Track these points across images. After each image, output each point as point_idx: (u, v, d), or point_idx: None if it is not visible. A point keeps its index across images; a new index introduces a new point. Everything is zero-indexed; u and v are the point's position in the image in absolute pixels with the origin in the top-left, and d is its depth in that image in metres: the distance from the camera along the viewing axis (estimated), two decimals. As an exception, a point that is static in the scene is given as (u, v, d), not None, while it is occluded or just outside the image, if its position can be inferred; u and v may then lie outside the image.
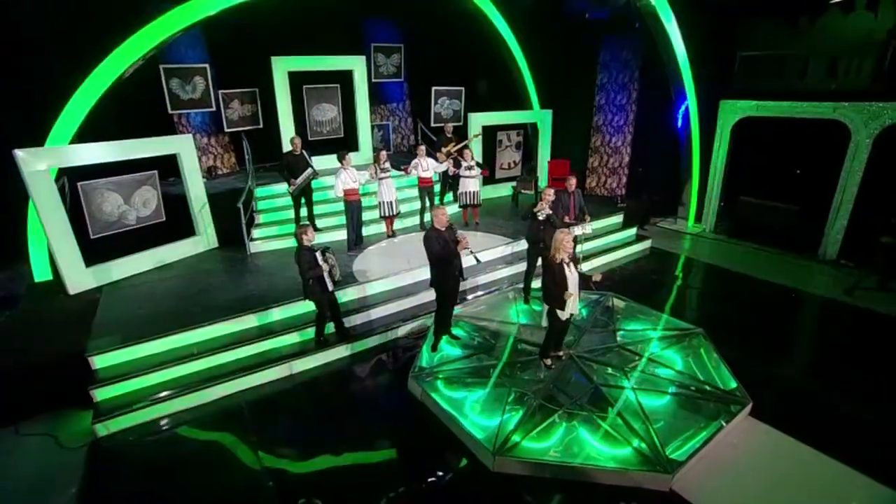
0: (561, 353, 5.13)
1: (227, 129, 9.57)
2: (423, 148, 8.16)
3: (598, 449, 4.06)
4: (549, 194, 6.05)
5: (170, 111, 8.45)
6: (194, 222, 7.88)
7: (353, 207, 7.32)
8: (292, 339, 5.73)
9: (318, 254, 5.21)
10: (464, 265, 5.33)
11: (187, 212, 7.81)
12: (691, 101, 9.24)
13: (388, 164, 7.74)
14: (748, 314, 6.64)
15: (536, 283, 6.02)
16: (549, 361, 5.04)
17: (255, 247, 7.78)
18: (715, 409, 4.51)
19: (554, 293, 4.61)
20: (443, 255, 5.04)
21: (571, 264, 4.61)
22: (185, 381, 5.08)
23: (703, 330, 5.66)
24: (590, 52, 10.41)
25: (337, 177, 7.16)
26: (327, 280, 5.25)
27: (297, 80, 9.55)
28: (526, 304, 6.51)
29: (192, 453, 4.38)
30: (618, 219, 9.41)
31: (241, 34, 9.21)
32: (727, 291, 7.49)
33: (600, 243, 8.70)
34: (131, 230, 7.17)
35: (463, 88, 10.58)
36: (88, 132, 6.80)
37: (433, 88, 10.34)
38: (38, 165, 5.93)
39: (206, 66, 8.62)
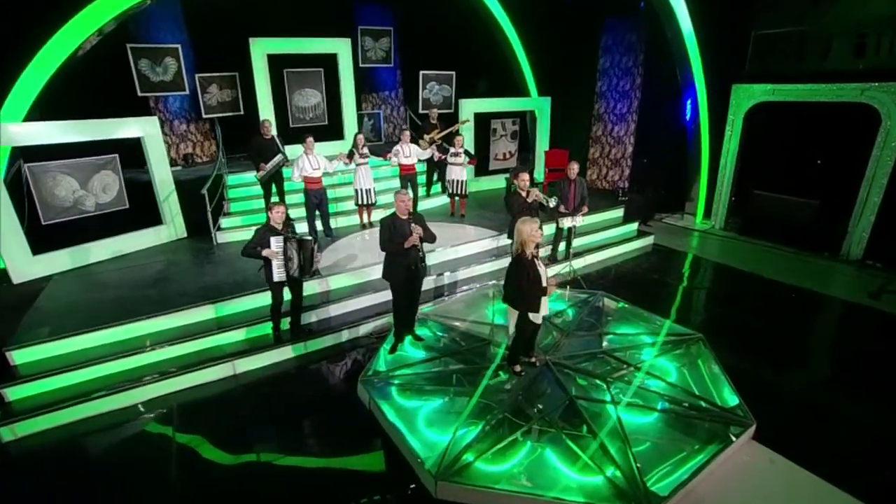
0: (534, 359, 4.48)
1: (204, 115, 9.11)
2: (407, 133, 7.62)
3: (566, 476, 3.40)
4: (524, 179, 5.39)
5: (139, 94, 8.00)
6: (160, 210, 7.43)
7: (311, 196, 6.71)
8: (240, 335, 5.19)
9: (275, 238, 4.64)
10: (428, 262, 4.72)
11: (154, 199, 7.37)
12: (700, 86, 8.45)
13: (366, 150, 7.20)
14: (758, 319, 5.88)
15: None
16: (518, 368, 4.40)
17: (222, 237, 7.29)
18: (711, 430, 3.80)
19: (528, 293, 3.99)
20: (392, 245, 4.45)
21: (538, 258, 4.03)
22: (114, 379, 4.57)
23: (703, 336, 4.95)
24: (591, 34, 9.69)
25: (294, 162, 6.61)
26: (275, 268, 4.68)
27: (280, 64, 9.07)
28: (505, 302, 5.85)
29: (108, 462, 3.86)
30: (618, 213, 8.69)
31: (220, 14, 8.78)
32: (735, 293, 6.72)
33: (597, 238, 8.00)
34: (89, 217, 6.74)
35: (454, 73, 9.97)
36: (53, 114, 6.37)
37: (421, 73, 9.75)
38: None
39: (178, 46, 8.16)
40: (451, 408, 4.09)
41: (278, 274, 4.71)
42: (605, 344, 4.98)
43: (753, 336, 5.48)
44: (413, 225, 4.50)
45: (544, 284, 3.99)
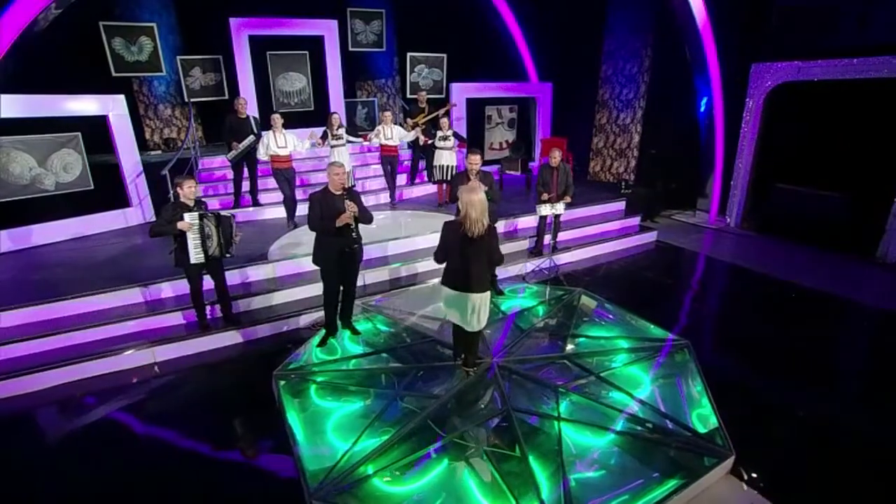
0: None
1: (187, 99, 8.86)
2: (387, 114, 7.13)
3: (479, 505, 2.74)
4: (475, 162, 4.72)
5: (113, 74, 7.78)
6: (128, 193, 7.17)
7: (279, 175, 6.31)
8: (169, 321, 4.77)
9: (189, 214, 4.20)
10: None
11: (121, 181, 7.11)
12: (713, 66, 7.52)
13: (341, 131, 6.69)
14: (769, 327, 4.99)
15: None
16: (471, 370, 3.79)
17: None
18: (677, 459, 3.04)
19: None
20: (322, 225, 3.90)
21: None
22: (23, 361, 4.19)
23: (690, 343, 4.15)
24: (595, 14, 8.91)
25: (261, 140, 6.23)
26: (190, 247, 4.22)
27: (265, 47, 8.72)
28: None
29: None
30: (619, 206, 7.87)
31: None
32: (744, 297, 5.83)
33: (590, 232, 7.22)
34: (49, 196, 6.50)
35: (444, 56, 9.35)
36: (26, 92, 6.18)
37: (408, 55, 9.19)
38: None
39: (154, 25, 7.90)
40: (369, 412, 3.49)
41: (195, 254, 4.25)
42: (570, 347, 4.26)
43: (760, 347, 4.60)
44: (347, 202, 3.93)
45: None
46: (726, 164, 8.05)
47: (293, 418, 3.39)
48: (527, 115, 9.78)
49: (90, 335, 4.49)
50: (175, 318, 4.80)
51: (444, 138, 7.09)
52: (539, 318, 4.76)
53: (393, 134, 7.03)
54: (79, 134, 6.62)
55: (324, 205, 3.93)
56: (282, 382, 3.86)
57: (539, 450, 3.04)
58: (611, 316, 4.88)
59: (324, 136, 6.62)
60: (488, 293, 3.46)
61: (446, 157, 7.15)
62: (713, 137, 8.01)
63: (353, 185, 6.98)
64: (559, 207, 5.84)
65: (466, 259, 3.29)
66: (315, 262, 4.16)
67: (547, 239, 6.39)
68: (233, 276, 5.29)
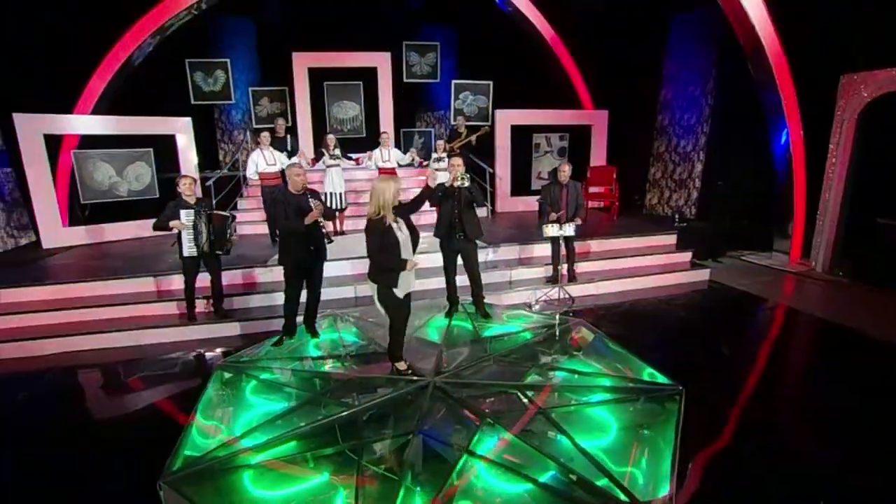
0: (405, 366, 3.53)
1: (254, 126, 9.90)
2: (385, 135, 7.20)
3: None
4: (458, 164, 4.38)
5: (192, 102, 9.00)
6: (188, 203, 8.05)
7: (267, 193, 6.48)
8: (165, 309, 5.14)
9: (185, 211, 4.57)
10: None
11: (183, 192, 8.04)
12: (784, 83, 6.40)
13: (337, 151, 6.87)
14: (830, 393, 3.76)
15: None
16: (403, 366, 3.58)
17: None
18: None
19: (383, 264, 3.36)
20: (289, 224, 3.94)
21: (401, 223, 3.42)
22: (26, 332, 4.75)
23: (682, 390, 3.27)
24: (654, 36, 8.27)
25: (249, 157, 6.56)
26: (185, 241, 4.55)
27: (322, 77, 9.52)
28: (447, 316, 4.77)
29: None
30: (669, 240, 6.87)
31: (286, 32, 9.70)
32: (812, 352, 4.61)
33: (625, 265, 6.35)
34: (122, 202, 7.56)
35: (490, 83, 9.30)
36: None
37: (453, 82, 9.30)
38: (30, 129, 6.55)
39: (227, 60, 9.07)
40: (287, 412, 3.24)
41: (188, 248, 4.55)
42: (533, 378, 3.61)
43: (803, 417, 3.47)
44: (313, 201, 3.96)
45: (403, 253, 3.34)
46: (809, 195, 6.65)
47: (203, 404, 3.27)
48: (579, 143, 9.23)
49: (87, 315, 4.97)
50: (170, 308, 5.11)
51: (439, 160, 6.89)
52: (516, 345, 4.16)
53: (391, 156, 6.98)
54: (151, 149, 7.68)
55: (287, 205, 3.97)
56: (226, 374, 3.80)
57: (429, 480, 2.51)
58: (606, 352, 4.09)
59: (317, 158, 6.80)
60: (375, 286, 3.43)
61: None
62: (792, 165, 6.71)
63: (346, 208, 7.06)
64: (568, 229, 5.23)
65: None
66: (280, 262, 4.17)
67: (564, 268, 5.75)
68: (237, 276, 5.54)
